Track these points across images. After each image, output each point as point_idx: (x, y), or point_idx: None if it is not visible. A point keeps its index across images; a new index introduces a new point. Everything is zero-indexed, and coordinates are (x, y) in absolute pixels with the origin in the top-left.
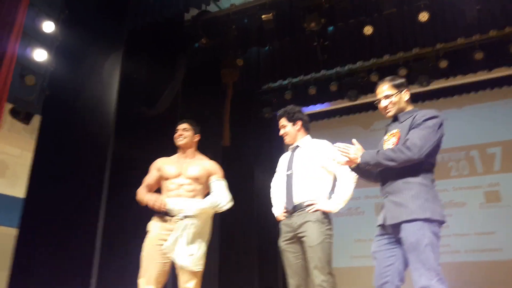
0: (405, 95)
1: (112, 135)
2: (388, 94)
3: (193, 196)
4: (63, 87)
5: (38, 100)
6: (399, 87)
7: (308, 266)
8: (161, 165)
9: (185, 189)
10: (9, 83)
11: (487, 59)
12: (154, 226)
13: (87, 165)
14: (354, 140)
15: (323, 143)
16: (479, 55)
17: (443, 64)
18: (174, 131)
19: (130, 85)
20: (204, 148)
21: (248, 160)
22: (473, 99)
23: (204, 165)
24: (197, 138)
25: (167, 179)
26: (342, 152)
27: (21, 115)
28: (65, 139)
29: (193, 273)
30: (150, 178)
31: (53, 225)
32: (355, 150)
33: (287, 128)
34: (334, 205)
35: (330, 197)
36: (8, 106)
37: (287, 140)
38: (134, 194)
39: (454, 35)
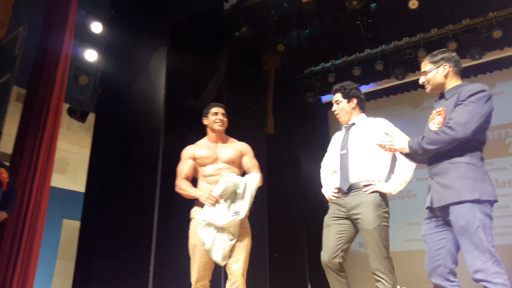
0: (443, 70)
1: (162, 128)
2: (425, 70)
3: None
4: (113, 84)
5: (92, 99)
6: (436, 62)
7: (365, 250)
8: (195, 152)
9: (224, 174)
10: (66, 84)
11: None
12: (198, 212)
13: (140, 157)
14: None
15: (381, 121)
16: None
17: (497, 34)
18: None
19: (177, 78)
20: (249, 136)
21: (293, 147)
22: None
23: (236, 146)
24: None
25: (204, 165)
26: (388, 145)
27: (77, 113)
28: (119, 134)
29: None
30: (186, 168)
31: (112, 217)
32: (401, 140)
33: (341, 104)
34: (393, 187)
35: (387, 179)
36: (65, 106)
37: (340, 118)
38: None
39: (508, 1)
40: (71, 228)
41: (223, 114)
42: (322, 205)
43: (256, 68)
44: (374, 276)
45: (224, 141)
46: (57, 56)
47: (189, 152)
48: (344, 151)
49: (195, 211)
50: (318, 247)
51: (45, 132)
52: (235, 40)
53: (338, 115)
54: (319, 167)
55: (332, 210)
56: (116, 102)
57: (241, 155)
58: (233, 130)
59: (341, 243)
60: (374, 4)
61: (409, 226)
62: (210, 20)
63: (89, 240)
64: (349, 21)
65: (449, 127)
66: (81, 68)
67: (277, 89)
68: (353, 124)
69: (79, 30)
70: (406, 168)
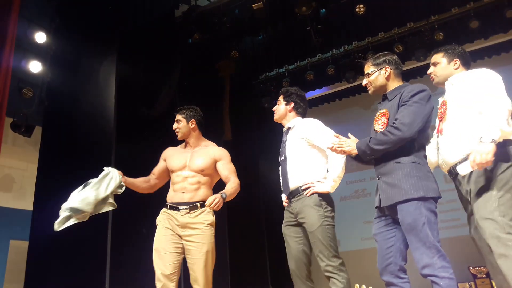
0: (385, 72)
1: (114, 139)
2: (368, 73)
3: (197, 189)
4: (61, 96)
5: (38, 112)
6: (379, 64)
7: (313, 252)
8: (168, 156)
9: (189, 182)
10: (7, 97)
11: (482, 27)
12: (162, 219)
13: (91, 170)
14: (349, 134)
15: (309, 121)
16: (474, 24)
17: (439, 36)
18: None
19: (127, 87)
20: None
21: (252, 152)
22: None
23: (210, 153)
24: (193, 124)
25: (173, 171)
26: (338, 147)
27: (22, 128)
28: (68, 147)
29: (204, 270)
30: (155, 168)
31: (63, 235)
32: (350, 143)
33: (280, 105)
34: (329, 184)
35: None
36: (9, 120)
37: (275, 117)
38: (140, 196)
39: (448, 5)
40: (19, 249)
41: (177, 121)
42: (282, 210)
43: (211, 75)
44: (326, 275)
45: (197, 146)
46: None
47: (164, 153)
48: (282, 157)
49: (160, 218)
50: (279, 251)
51: None
52: (188, 48)
53: (274, 114)
54: (278, 171)
55: (285, 217)
56: (64, 114)
57: (215, 162)
58: None
59: (303, 250)
60: (323, 10)
61: (366, 225)
62: (161, 28)
63: (39, 261)
64: (300, 27)
65: (396, 128)
66: (25, 80)
67: (234, 95)
68: (289, 128)
69: (22, 40)
70: (336, 164)
